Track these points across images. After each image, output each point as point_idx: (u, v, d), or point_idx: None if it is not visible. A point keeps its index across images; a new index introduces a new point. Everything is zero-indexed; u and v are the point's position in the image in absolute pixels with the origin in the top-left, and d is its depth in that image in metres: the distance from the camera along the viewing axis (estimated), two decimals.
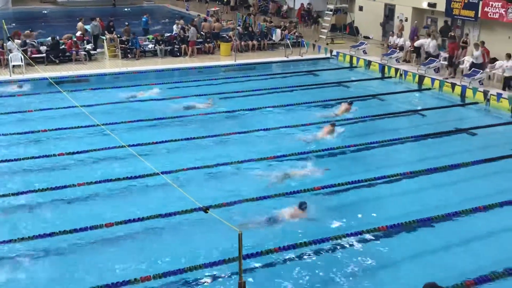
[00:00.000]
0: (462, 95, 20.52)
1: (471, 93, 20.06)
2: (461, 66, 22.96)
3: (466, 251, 10.79)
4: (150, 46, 27.12)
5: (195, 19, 29.56)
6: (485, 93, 19.82)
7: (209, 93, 20.59)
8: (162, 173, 12.71)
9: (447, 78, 22.08)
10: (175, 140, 15.92)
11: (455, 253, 10.72)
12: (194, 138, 16.19)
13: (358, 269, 10.10)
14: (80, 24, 27.02)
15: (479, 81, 21.26)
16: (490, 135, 17.25)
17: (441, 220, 11.71)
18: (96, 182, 13.15)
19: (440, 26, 26.61)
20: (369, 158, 15.25)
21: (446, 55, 23.31)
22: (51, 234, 10.90)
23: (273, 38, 29.14)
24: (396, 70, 23.59)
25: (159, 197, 12.75)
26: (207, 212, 10.80)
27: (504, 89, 20.37)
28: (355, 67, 25.73)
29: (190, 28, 27.30)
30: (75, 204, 12.46)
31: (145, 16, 30.49)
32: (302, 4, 34.14)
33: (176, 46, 27.12)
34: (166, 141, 15.80)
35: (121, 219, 11.47)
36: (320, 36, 31.07)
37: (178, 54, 26.93)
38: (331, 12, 31.53)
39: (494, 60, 22.20)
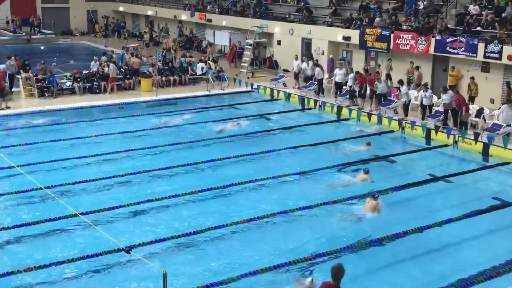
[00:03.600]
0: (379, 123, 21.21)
1: (387, 122, 20.79)
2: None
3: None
4: (68, 84, 26.53)
5: (114, 55, 29.25)
6: (400, 121, 20.60)
7: (131, 130, 20.33)
8: (82, 214, 12.33)
9: (362, 108, 22.81)
10: (95, 180, 15.50)
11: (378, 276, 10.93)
12: (117, 176, 15.84)
13: None
14: None
15: (394, 110, 22.09)
16: (407, 162, 17.87)
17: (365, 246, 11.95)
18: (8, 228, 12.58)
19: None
20: (286, 189, 15.44)
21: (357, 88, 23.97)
22: None
23: (196, 70, 29.24)
24: (315, 101, 24.15)
25: (80, 239, 12.33)
26: (130, 253, 10.61)
27: (423, 118, 21.19)
28: (276, 99, 26.16)
29: (109, 64, 26.96)
30: None
31: (122, 50, 30.92)
32: (234, 44, 34.13)
33: (95, 83, 26.67)
34: (85, 181, 15.36)
35: (41, 263, 10.98)
36: (241, 70, 31.47)
37: (98, 91, 26.47)
38: (250, 47, 32.07)
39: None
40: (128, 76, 27.73)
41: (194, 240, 12.24)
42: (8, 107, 23.25)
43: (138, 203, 13.93)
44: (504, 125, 18.97)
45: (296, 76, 27.25)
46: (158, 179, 15.97)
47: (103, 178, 15.62)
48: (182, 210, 13.95)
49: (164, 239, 12.06)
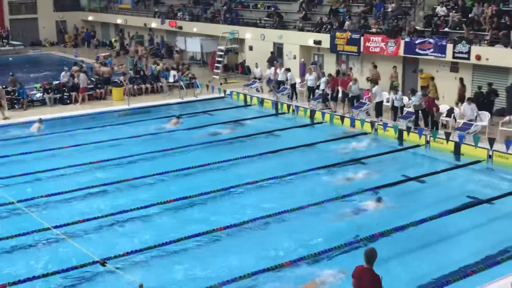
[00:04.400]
0: (352, 126, 21.32)
1: (359, 124, 20.92)
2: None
3: None
4: (38, 95, 26.19)
5: (83, 65, 28.98)
6: (372, 123, 20.77)
7: (103, 140, 20.14)
8: (55, 227, 12.16)
9: (335, 112, 22.94)
10: (67, 192, 15.29)
11: None
12: (90, 187, 15.67)
13: None
14: None
15: (366, 112, 22.26)
16: (380, 163, 17.99)
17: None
18: None
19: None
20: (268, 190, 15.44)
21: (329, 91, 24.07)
22: None
23: (169, 79, 29.12)
24: (289, 106, 24.22)
25: (53, 252, 12.15)
26: (105, 266, 10.49)
27: (394, 119, 21.38)
28: (249, 105, 26.17)
29: (79, 74, 26.68)
30: None
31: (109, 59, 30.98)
32: (214, 51, 33.72)
33: (65, 93, 26.37)
34: (58, 193, 15.14)
35: (14, 279, 10.77)
36: (214, 76, 31.42)
37: (68, 101, 26.17)
38: (222, 53, 32.05)
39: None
40: (99, 85, 27.48)
41: (171, 250, 12.15)
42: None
43: (112, 214, 13.80)
44: (474, 123, 19.27)
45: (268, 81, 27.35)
46: (133, 189, 15.84)
47: (76, 190, 15.41)
48: (158, 220, 13.86)
49: (140, 250, 11.95)
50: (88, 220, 13.46)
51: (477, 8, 23.06)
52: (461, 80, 21.76)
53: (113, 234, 13.10)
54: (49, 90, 26.16)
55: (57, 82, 27.15)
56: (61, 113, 24.28)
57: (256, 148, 19.21)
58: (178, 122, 22.52)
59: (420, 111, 20.37)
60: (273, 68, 26.89)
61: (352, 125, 21.20)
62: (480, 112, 20.03)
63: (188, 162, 17.51)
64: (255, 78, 28.39)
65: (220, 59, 32.09)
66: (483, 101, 20.48)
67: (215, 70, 31.92)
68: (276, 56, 29.84)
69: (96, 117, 23.95)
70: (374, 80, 23.50)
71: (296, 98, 25.64)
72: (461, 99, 21.22)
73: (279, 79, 26.36)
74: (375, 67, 24.87)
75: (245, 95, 26.80)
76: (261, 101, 25.73)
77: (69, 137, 20.86)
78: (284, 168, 17.03)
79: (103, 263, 9.64)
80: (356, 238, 12.42)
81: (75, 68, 28.29)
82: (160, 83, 28.89)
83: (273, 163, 17.98)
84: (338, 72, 24.85)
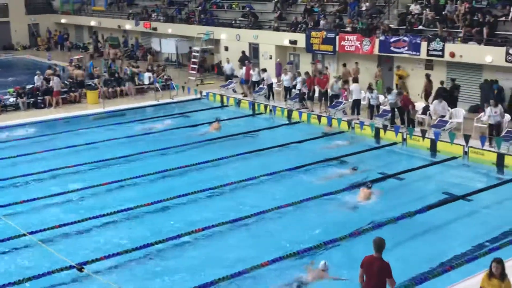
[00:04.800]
0: (329, 125, 21.38)
1: (336, 123, 20.98)
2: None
3: None
4: (12, 100, 25.77)
5: (57, 69, 28.60)
6: (349, 122, 20.83)
7: (78, 144, 19.90)
8: (30, 233, 11.96)
9: (312, 111, 22.96)
10: (43, 197, 15.03)
11: None
12: (66, 192, 15.45)
13: None
14: None
15: (343, 111, 22.33)
16: (358, 161, 18.02)
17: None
18: None
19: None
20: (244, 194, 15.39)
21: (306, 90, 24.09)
22: None
23: (145, 81, 28.90)
24: (266, 106, 24.20)
25: (29, 258, 11.94)
26: (83, 271, 10.34)
27: (371, 118, 21.47)
28: (226, 106, 26.10)
29: (53, 78, 26.32)
30: None
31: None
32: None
33: (39, 97, 25.99)
34: (34, 199, 14.89)
35: None
36: (189, 77, 31.26)
37: (42, 106, 25.81)
38: (198, 54, 31.90)
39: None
40: (73, 89, 27.15)
41: (149, 253, 12.02)
42: None
43: (88, 218, 13.62)
44: (450, 120, 19.45)
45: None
46: (108, 193, 15.64)
47: (52, 195, 15.19)
48: (135, 224, 13.71)
49: (118, 254, 11.80)
50: (64, 225, 13.25)
51: (450, 5, 23.29)
52: (427, 76, 22.18)
53: (90, 239, 12.91)
54: (23, 95, 25.76)
55: (31, 86, 26.76)
56: (35, 118, 23.91)
57: (234, 148, 19.12)
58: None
59: (396, 109, 20.51)
60: (245, 68, 26.84)
61: (329, 124, 21.25)
62: (454, 109, 20.26)
63: (166, 165, 17.36)
64: (227, 76, 28.24)
65: (196, 60, 31.93)
66: (446, 96, 20.79)
67: (191, 71, 31.76)
68: (247, 56, 29.83)
69: (70, 121, 23.65)
70: (343, 79, 23.72)
71: (273, 98, 25.62)
72: (427, 95, 21.50)
73: (253, 79, 26.33)
74: (344, 65, 25.15)
75: (221, 96, 26.71)
76: (238, 102, 25.67)
77: (42, 142, 20.55)
78: (263, 168, 16.98)
79: (80, 268, 9.50)
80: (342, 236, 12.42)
81: (48, 71, 27.90)
82: (135, 85, 28.64)
83: (252, 163, 17.93)
84: (307, 73, 24.86)
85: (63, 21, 47.00)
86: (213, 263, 11.64)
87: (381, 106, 21.66)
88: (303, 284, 10.72)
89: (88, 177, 16.81)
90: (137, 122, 23.29)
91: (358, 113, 21.79)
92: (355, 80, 23.17)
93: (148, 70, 29.90)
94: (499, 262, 8.63)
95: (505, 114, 18.68)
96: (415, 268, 11.08)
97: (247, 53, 30.35)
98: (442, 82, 21.53)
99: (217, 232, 13.01)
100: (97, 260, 11.49)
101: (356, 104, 21.85)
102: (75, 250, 12.12)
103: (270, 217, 13.78)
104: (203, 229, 12.88)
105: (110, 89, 27.71)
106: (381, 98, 21.97)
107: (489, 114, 18.19)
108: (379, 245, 8.51)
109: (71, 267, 10.95)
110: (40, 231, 12.85)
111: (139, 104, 26.38)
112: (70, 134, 21.66)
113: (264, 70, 26.07)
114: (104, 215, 13.77)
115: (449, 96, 20.95)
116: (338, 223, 13.32)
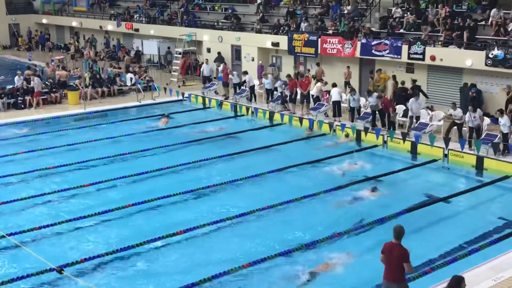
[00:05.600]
0: (311, 128, 21.47)
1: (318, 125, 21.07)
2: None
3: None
4: None
5: (37, 69, 28.34)
6: (331, 124, 20.93)
7: (59, 145, 19.74)
8: (9, 235, 11.85)
9: (294, 113, 23.03)
10: (22, 199, 14.90)
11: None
12: (45, 193, 15.32)
13: None
14: None
15: (324, 114, 22.42)
16: (339, 164, 18.11)
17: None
18: None
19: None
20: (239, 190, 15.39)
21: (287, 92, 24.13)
22: None
23: (126, 82, 28.77)
24: (247, 108, 24.20)
25: (8, 260, 11.82)
26: (62, 273, 10.27)
27: (352, 120, 21.60)
28: (208, 107, 26.07)
29: (33, 78, 26.08)
30: None
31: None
32: (187, 55, 32.46)
33: (19, 98, 25.73)
34: (12, 200, 14.73)
35: None
36: (171, 79, 31.17)
37: (23, 106, 25.55)
38: (180, 55, 31.83)
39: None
40: (54, 89, 26.92)
41: (128, 256, 11.96)
42: None
43: (69, 220, 13.53)
44: (430, 123, 19.63)
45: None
46: (90, 194, 15.54)
47: (32, 197, 15.06)
48: (116, 226, 13.62)
49: (98, 256, 11.73)
50: (44, 227, 13.15)
51: (431, 9, 23.52)
52: (394, 77, 22.75)
53: (70, 240, 12.81)
54: (2, 95, 25.49)
55: (11, 86, 26.47)
56: (15, 118, 23.67)
57: (216, 150, 19.11)
58: (167, 121, 23.10)
59: (377, 112, 20.65)
60: (222, 69, 26.84)
61: (311, 126, 21.32)
62: (436, 112, 20.48)
63: (148, 166, 17.31)
64: (205, 78, 28.31)
65: (178, 61, 31.85)
66: (407, 96, 21.20)
67: (173, 73, 31.68)
68: (222, 57, 30.04)
69: (50, 122, 23.46)
70: (318, 78, 24.02)
71: (255, 100, 25.64)
72: (395, 95, 22.05)
73: (234, 82, 26.33)
74: (318, 64, 25.49)
75: (203, 98, 26.67)
76: (220, 104, 25.65)
77: (22, 143, 20.35)
78: (246, 169, 17.00)
79: (60, 270, 9.43)
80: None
81: (28, 72, 27.64)
82: (116, 86, 28.48)
83: (234, 165, 17.94)
84: (297, 74, 24.97)
85: (44, 21, 46.60)
86: (196, 265, 11.61)
87: (362, 109, 21.80)
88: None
89: (69, 178, 16.68)
90: (119, 123, 23.14)
91: (340, 115, 21.91)
92: (320, 79, 23.33)
93: (128, 71, 29.71)
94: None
95: (485, 118, 18.91)
96: None
97: (232, 56, 30.38)
98: (403, 82, 22.13)
99: (200, 234, 12.98)
100: (77, 262, 11.41)
101: (336, 106, 21.96)
102: (55, 252, 12.04)
103: (251, 218, 13.78)
104: (184, 231, 12.85)
105: (91, 90, 27.51)
106: (362, 101, 22.10)
107: (468, 119, 18.39)
108: (399, 232, 8.99)
109: (51, 269, 10.86)
110: (20, 232, 12.73)
111: (120, 105, 26.24)
112: (51, 135, 21.48)
113: (246, 73, 26.09)
114: (85, 217, 13.68)
115: (410, 95, 21.30)
116: (323, 224, 13.40)
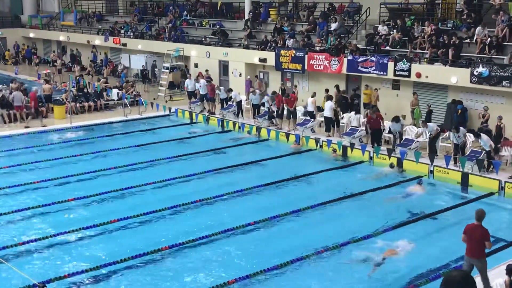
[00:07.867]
0: (297, 142, 21.49)
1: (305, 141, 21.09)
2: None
3: None
4: None
5: (21, 83, 28.13)
6: (317, 140, 20.97)
7: (42, 160, 19.60)
8: None
9: (280, 128, 23.07)
10: (4, 214, 14.75)
11: None
12: (29, 208, 15.17)
13: None
14: None
15: (311, 129, 22.48)
16: (326, 179, 18.14)
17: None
18: None
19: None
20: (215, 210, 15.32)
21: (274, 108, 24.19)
22: None
23: (113, 97, 28.69)
24: (234, 123, 24.20)
25: None
26: None
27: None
28: (195, 122, 26.04)
29: (11, 92, 25.81)
30: None
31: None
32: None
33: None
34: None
35: None
36: (158, 94, 31.14)
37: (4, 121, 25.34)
38: (167, 70, 31.83)
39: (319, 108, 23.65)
40: (40, 104, 26.75)
41: (113, 272, 11.85)
42: None
43: (52, 235, 13.38)
44: (415, 140, 19.73)
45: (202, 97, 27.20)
46: (73, 209, 15.42)
47: (14, 211, 14.91)
48: (100, 241, 13.50)
49: (82, 272, 11.62)
50: (27, 242, 13.00)
51: (416, 27, 23.76)
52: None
53: (52, 256, 12.67)
54: None
55: None
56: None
57: (203, 165, 19.09)
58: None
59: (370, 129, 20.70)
60: (205, 85, 26.80)
61: (297, 141, 21.37)
62: (421, 128, 20.55)
63: (134, 181, 17.23)
64: (189, 93, 28.25)
65: (165, 76, 31.85)
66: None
67: (160, 88, 31.65)
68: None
69: (36, 136, 23.29)
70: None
71: (242, 116, 25.67)
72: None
73: (221, 97, 26.38)
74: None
75: (190, 113, 26.65)
76: (207, 119, 25.63)
77: (5, 158, 20.20)
78: (232, 185, 16.98)
79: (42, 286, 9.31)
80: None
81: (13, 85, 27.42)
82: (103, 101, 28.39)
83: (221, 179, 17.92)
84: (283, 90, 25.06)
85: (31, 35, 46.46)
86: (180, 281, 11.53)
87: (350, 125, 21.89)
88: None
89: (53, 193, 16.54)
90: (105, 138, 23.03)
91: (329, 130, 22.01)
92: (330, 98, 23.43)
93: (115, 87, 29.63)
94: None
95: (468, 134, 19.02)
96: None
97: (219, 71, 30.60)
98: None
99: (184, 248, 12.90)
100: (60, 278, 11.30)
101: (327, 121, 22.04)
102: (37, 268, 11.90)
103: (238, 233, 13.74)
104: (169, 247, 12.77)
105: (77, 104, 27.40)
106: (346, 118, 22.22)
107: (452, 139, 18.53)
108: (480, 215, 10.41)
109: (34, 285, 10.71)
110: (2, 248, 12.58)
111: (107, 120, 26.14)
112: (34, 149, 21.32)
113: (230, 90, 26.18)
114: (68, 232, 13.56)
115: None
116: (313, 239, 13.40)
